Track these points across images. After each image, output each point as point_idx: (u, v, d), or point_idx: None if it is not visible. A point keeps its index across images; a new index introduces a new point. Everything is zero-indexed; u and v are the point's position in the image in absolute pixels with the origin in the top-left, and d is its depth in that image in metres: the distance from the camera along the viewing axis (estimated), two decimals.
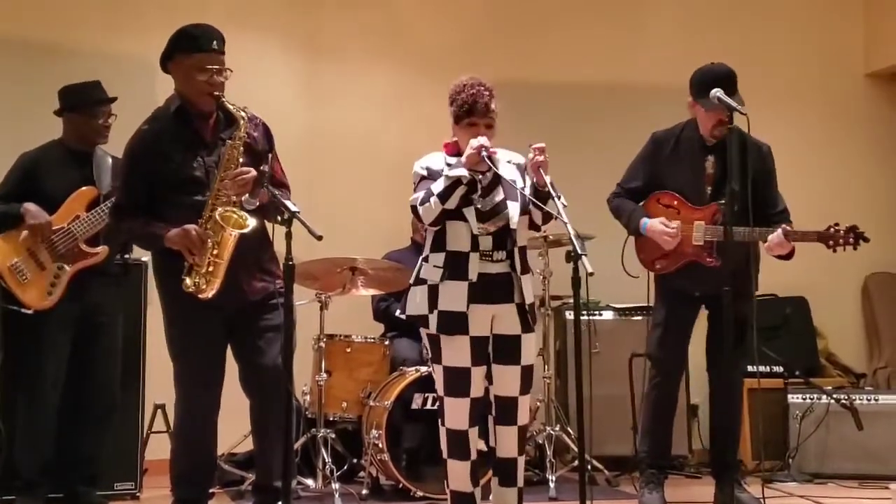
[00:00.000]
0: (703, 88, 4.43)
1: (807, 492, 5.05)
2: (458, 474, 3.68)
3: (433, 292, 3.63)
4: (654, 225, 4.49)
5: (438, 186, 3.56)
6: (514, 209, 3.65)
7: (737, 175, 4.33)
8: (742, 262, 4.31)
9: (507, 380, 3.68)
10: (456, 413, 3.65)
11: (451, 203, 3.56)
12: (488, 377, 3.70)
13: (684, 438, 5.70)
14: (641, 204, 4.62)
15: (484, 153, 3.56)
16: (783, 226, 4.35)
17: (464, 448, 3.66)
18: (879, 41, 7.00)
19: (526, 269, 3.72)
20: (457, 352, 3.62)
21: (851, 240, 4.40)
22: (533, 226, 3.76)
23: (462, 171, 3.54)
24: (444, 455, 3.71)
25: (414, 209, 3.63)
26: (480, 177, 3.65)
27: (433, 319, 3.62)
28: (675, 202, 4.53)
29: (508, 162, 3.71)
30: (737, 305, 4.05)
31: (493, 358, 3.68)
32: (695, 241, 4.46)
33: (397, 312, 3.93)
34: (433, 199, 3.55)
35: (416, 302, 3.69)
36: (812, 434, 5.56)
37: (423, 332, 3.74)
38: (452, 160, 3.66)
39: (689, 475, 5.61)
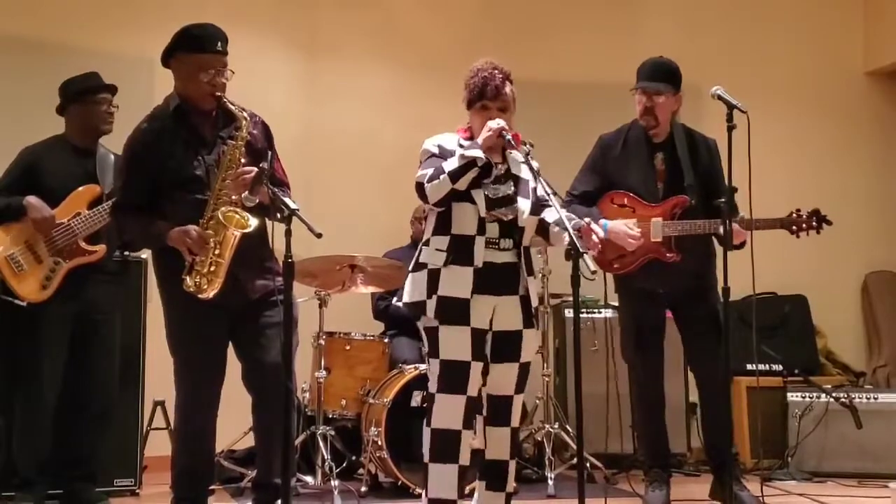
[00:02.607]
0: (643, 75, 4.49)
1: (806, 490, 5.05)
2: (445, 479, 3.41)
3: (433, 277, 3.45)
4: (616, 226, 4.41)
5: (451, 165, 3.40)
6: (524, 205, 3.52)
7: (689, 170, 4.38)
8: (703, 258, 4.34)
9: (504, 378, 3.53)
10: (450, 411, 3.42)
11: (462, 184, 3.40)
12: (483, 376, 3.53)
13: (683, 436, 5.71)
14: (595, 205, 4.57)
15: (507, 135, 3.42)
16: (741, 215, 4.30)
17: (454, 450, 3.41)
18: (879, 40, 7.00)
19: (530, 270, 3.57)
20: (456, 344, 3.42)
21: (815, 224, 4.37)
22: (542, 234, 3.65)
23: (478, 153, 3.40)
24: (427, 458, 3.45)
25: (419, 186, 3.45)
26: (496, 168, 3.53)
27: (431, 305, 3.44)
28: (630, 201, 4.51)
29: (523, 163, 3.57)
30: (706, 301, 4.08)
31: (491, 356, 3.51)
32: (653, 238, 4.44)
33: (394, 300, 3.80)
34: (443, 177, 3.39)
35: (414, 288, 3.51)
36: (811, 432, 5.57)
37: (420, 325, 3.54)
38: (467, 144, 3.51)
39: (688, 473, 5.62)
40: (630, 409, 5.39)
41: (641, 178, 4.51)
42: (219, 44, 3.75)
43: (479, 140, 3.44)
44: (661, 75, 4.45)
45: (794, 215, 4.38)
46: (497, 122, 3.44)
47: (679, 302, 4.56)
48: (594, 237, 3.44)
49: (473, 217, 3.45)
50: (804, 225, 4.37)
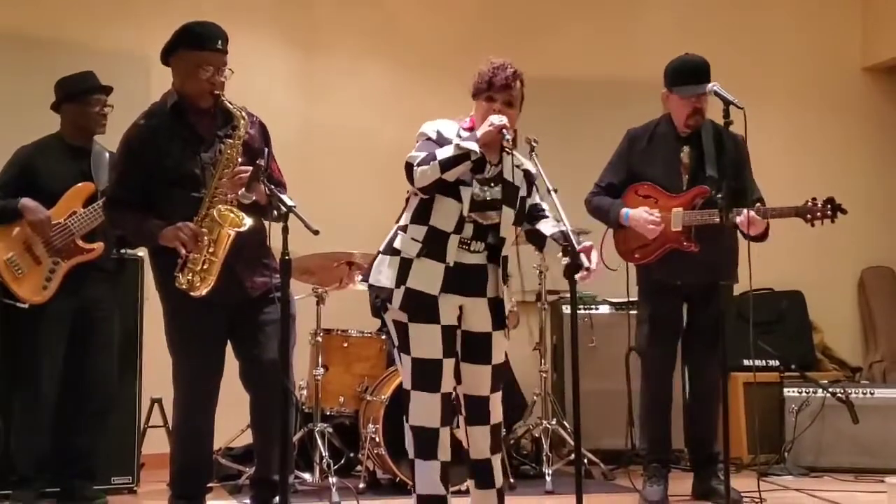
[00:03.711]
0: (677, 79, 4.50)
1: (802, 485, 5.07)
2: (428, 476, 3.37)
3: (405, 266, 3.36)
4: (637, 213, 4.50)
5: (444, 153, 3.28)
6: (508, 216, 3.42)
7: (713, 163, 4.39)
8: (723, 252, 4.35)
9: (478, 379, 3.45)
10: (425, 409, 3.35)
11: (452, 176, 3.28)
12: (456, 375, 3.43)
13: (680, 433, 5.71)
14: (620, 197, 4.63)
15: (507, 134, 3.30)
16: (757, 205, 4.34)
17: (433, 448, 3.36)
18: (877, 35, 7.01)
19: (504, 278, 3.48)
20: (428, 341, 3.34)
21: (829, 212, 4.35)
22: (536, 243, 3.59)
23: (473, 146, 3.27)
24: (411, 455, 3.40)
25: (409, 167, 3.32)
26: (489, 168, 3.41)
27: (398, 295, 3.35)
28: (653, 192, 4.57)
29: (517, 167, 3.46)
30: (716, 303, 4.10)
31: (462, 356, 3.44)
32: (673, 228, 4.48)
33: (358, 278, 3.63)
34: (434, 164, 3.26)
35: (383, 273, 3.41)
36: (808, 428, 5.57)
37: (387, 317, 3.44)
38: (465, 136, 3.39)
39: (686, 469, 5.62)
40: (627, 405, 5.42)
41: (666, 170, 4.56)
42: (219, 42, 3.75)
43: (478, 133, 3.34)
44: (708, 75, 4.43)
45: (810, 203, 4.38)
46: (500, 119, 3.33)
47: (694, 296, 4.57)
48: (588, 261, 3.32)
49: (454, 214, 3.35)
50: (819, 213, 4.36)
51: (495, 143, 3.36)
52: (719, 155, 4.48)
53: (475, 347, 3.46)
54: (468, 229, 3.38)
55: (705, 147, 4.51)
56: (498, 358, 3.49)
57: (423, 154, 3.32)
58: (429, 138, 3.41)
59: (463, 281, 3.38)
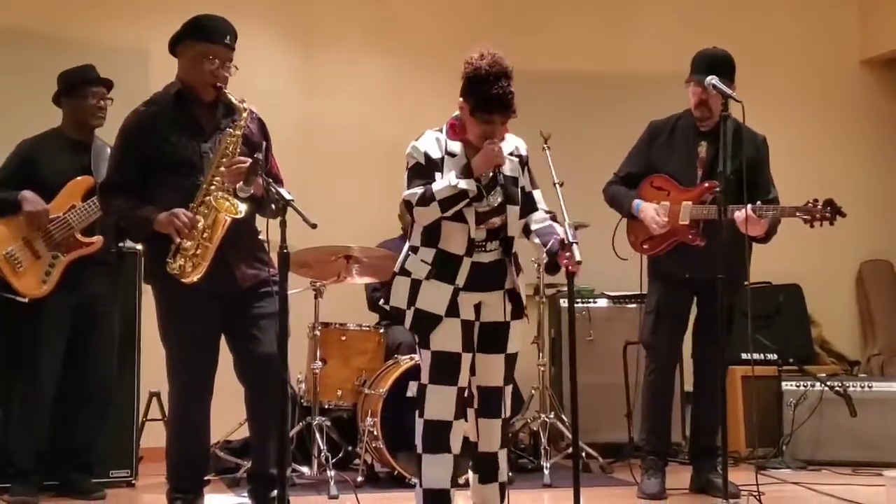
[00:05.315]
0: (697, 69, 4.50)
1: (800, 479, 5.07)
2: (438, 470, 3.40)
3: (415, 287, 3.42)
4: (646, 208, 4.54)
5: (442, 191, 3.31)
6: (513, 214, 3.44)
7: (725, 158, 4.39)
8: (731, 248, 4.34)
9: (492, 369, 3.50)
10: (441, 402, 3.39)
11: (451, 212, 3.33)
12: (471, 368, 3.48)
13: (678, 426, 5.72)
14: (636, 188, 4.65)
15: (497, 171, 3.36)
16: (758, 202, 4.32)
17: (446, 441, 3.39)
18: (875, 28, 7.01)
19: (518, 267, 3.54)
20: (448, 336, 3.39)
21: (828, 214, 4.36)
22: (524, 232, 3.59)
23: (471, 185, 3.30)
24: (420, 449, 3.43)
25: (408, 205, 3.37)
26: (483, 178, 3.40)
27: (409, 316, 3.43)
28: (666, 184, 4.59)
29: (509, 154, 3.46)
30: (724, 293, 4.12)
31: (478, 347, 3.48)
32: (680, 221, 4.50)
33: (381, 301, 3.72)
34: (434, 205, 3.30)
35: (399, 294, 3.47)
36: (806, 421, 5.58)
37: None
38: (455, 146, 3.42)
39: (683, 462, 5.63)
40: (626, 398, 5.43)
41: (682, 164, 4.58)
42: (227, 37, 3.79)
43: (475, 162, 3.35)
44: (718, 68, 4.41)
45: (809, 205, 4.38)
46: (497, 159, 3.34)
47: (702, 290, 4.57)
48: (569, 257, 3.36)
49: (463, 236, 3.39)
50: (818, 216, 4.36)
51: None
52: (736, 151, 4.47)
53: (492, 337, 3.51)
54: (480, 234, 3.42)
55: (721, 142, 4.50)
56: (513, 347, 3.53)
57: (419, 191, 3.34)
58: (418, 163, 3.42)
59: (480, 279, 3.44)
